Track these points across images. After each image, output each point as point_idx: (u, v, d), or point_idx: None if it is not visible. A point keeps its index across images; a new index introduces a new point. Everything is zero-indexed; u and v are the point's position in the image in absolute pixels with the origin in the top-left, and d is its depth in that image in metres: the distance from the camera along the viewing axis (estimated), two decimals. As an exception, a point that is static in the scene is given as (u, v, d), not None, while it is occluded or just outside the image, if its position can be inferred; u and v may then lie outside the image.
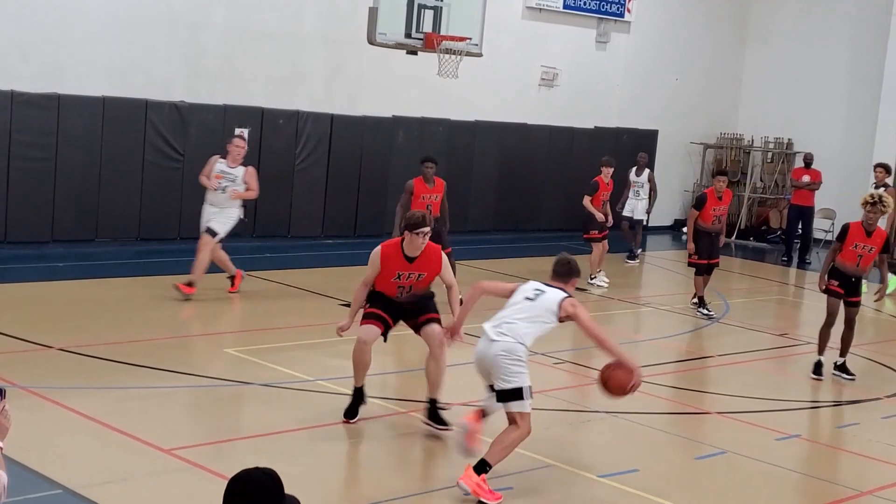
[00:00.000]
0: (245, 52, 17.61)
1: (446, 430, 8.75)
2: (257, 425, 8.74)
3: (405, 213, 12.25)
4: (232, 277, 13.73)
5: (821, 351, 11.87)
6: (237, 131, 17.40)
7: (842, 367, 11.97)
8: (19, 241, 15.51)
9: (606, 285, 16.37)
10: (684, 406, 10.48)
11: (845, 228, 11.72)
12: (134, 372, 10.00)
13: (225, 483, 3.81)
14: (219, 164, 13.47)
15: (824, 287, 11.79)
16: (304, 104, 18.25)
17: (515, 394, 7.45)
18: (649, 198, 19.50)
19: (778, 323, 15.46)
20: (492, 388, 7.57)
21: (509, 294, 7.86)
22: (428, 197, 13.80)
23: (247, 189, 13.43)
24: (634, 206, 19.46)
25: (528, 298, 7.69)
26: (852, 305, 11.83)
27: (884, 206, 11.43)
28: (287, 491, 3.83)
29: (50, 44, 15.69)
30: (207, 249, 13.15)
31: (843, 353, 11.96)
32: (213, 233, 13.23)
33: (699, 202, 15.08)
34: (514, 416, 7.49)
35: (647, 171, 19.62)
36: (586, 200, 16.60)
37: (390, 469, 8.27)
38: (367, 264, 8.80)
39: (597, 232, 16.53)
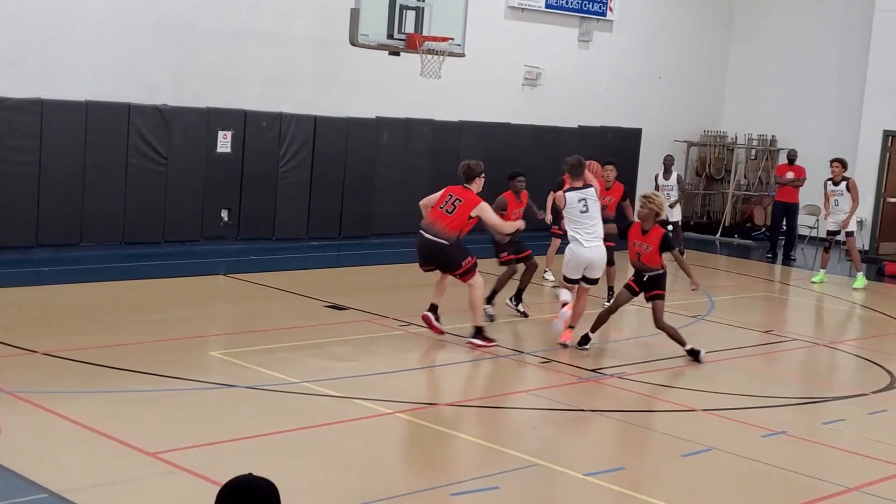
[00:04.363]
0: (228, 55, 17.56)
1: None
2: (243, 428, 8.72)
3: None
4: None
5: (593, 328, 12.24)
6: (220, 134, 17.40)
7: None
8: (4, 246, 15.43)
9: (553, 281, 16.45)
10: (670, 403, 10.50)
11: (626, 227, 12.32)
12: (119, 376, 9.98)
13: (210, 485, 3.79)
14: None
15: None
16: (287, 106, 18.21)
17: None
18: (678, 198, 19.60)
19: (763, 319, 15.49)
20: (585, 279, 12.18)
21: (563, 204, 12.08)
22: (519, 212, 13.77)
23: None
24: (669, 212, 19.35)
25: (583, 212, 11.81)
26: (655, 298, 12.00)
27: (651, 205, 11.74)
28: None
29: (33, 49, 15.63)
30: None
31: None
32: None
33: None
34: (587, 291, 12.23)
35: (675, 173, 19.68)
36: (549, 197, 16.71)
37: (380, 469, 8.26)
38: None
39: (557, 228, 16.62)
